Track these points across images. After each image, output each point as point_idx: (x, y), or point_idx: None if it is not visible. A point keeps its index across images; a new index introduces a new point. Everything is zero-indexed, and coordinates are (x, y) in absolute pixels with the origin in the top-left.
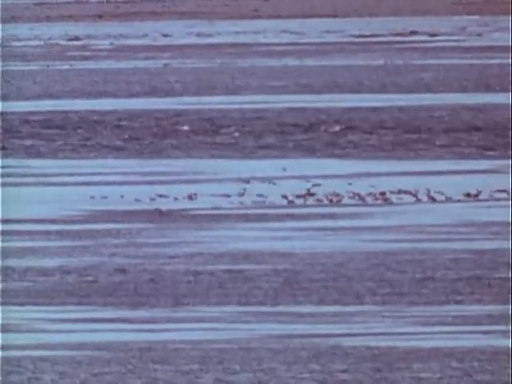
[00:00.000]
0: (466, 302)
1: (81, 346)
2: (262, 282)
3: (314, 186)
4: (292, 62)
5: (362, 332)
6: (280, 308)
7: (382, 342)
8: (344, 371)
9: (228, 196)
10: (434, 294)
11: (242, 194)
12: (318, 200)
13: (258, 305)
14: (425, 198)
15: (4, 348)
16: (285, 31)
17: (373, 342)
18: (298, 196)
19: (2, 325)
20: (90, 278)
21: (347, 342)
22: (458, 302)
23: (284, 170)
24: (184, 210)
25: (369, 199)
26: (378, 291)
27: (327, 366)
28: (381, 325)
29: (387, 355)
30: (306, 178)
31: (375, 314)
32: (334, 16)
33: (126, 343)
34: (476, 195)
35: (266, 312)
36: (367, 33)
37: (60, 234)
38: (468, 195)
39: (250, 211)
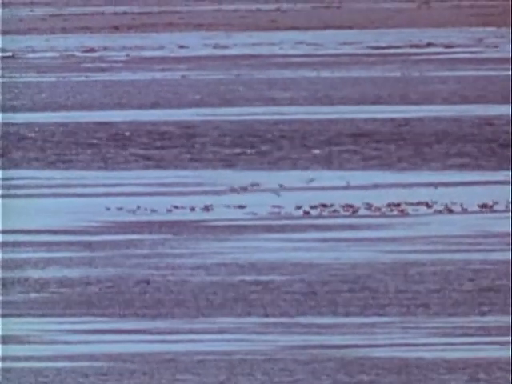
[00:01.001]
0: (488, 312)
1: (104, 358)
2: (285, 293)
3: (329, 196)
4: (309, 73)
5: (386, 343)
6: (303, 319)
7: (407, 353)
8: (371, 382)
9: (243, 207)
10: (456, 305)
11: (257, 205)
12: (335, 211)
13: (280, 316)
14: (442, 209)
15: (24, 359)
16: (301, 43)
17: (398, 353)
18: (312, 207)
19: (23, 336)
20: (111, 290)
21: (372, 353)
22: (480, 313)
23: (300, 181)
24: (200, 221)
25: (385, 210)
26: (402, 302)
27: (354, 378)
28: (405, 336)
29: (413, 366)
30: (321, 189)
31: (398, 324)
32: (351, 27)
33: (150, 354)
34: (492, 206)
35: (289, 323)
36: (384, 44)
37: (79, 245)
38: (484, 206)
39: (267, 222)
